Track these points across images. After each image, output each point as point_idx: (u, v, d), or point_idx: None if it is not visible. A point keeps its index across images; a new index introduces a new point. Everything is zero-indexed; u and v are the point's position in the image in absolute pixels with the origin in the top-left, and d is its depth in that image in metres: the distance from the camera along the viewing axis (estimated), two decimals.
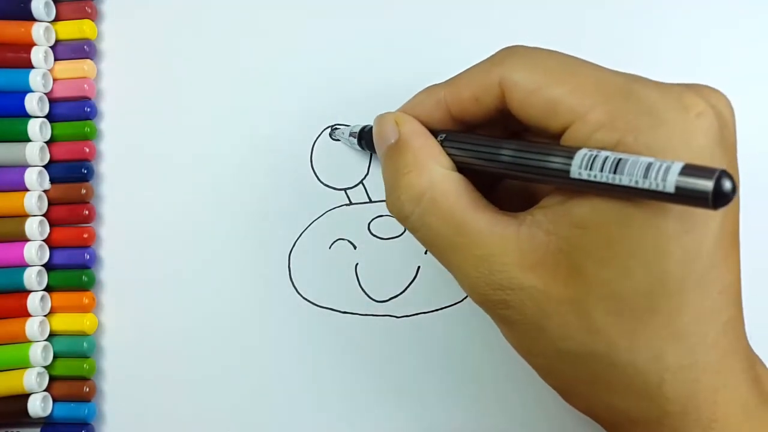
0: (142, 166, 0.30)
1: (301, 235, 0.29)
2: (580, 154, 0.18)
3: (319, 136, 0.29)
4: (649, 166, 0.16)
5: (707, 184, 0.15)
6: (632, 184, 0.17)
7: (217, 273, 0.29)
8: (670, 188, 0.16)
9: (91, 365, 0.29)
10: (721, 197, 0.15)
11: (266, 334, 0.29)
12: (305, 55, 0.30)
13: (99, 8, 0.31)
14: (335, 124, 0.29)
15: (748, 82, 0.28)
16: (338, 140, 0.29)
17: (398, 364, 0.28)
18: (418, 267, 0.29)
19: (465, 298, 0.28)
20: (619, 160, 0.17)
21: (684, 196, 0.16)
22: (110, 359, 0.30)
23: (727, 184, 0.15)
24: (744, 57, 0.28)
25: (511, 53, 0.21)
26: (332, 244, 0.29)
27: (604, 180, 0.18)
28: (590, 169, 0.18)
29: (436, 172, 0.22)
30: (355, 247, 0.29)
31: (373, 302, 0.29)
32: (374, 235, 0.29)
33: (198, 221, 0.30)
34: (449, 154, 0.22)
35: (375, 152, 0.25)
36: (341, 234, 0.29)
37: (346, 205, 0.29)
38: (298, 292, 0.29)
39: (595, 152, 0.18)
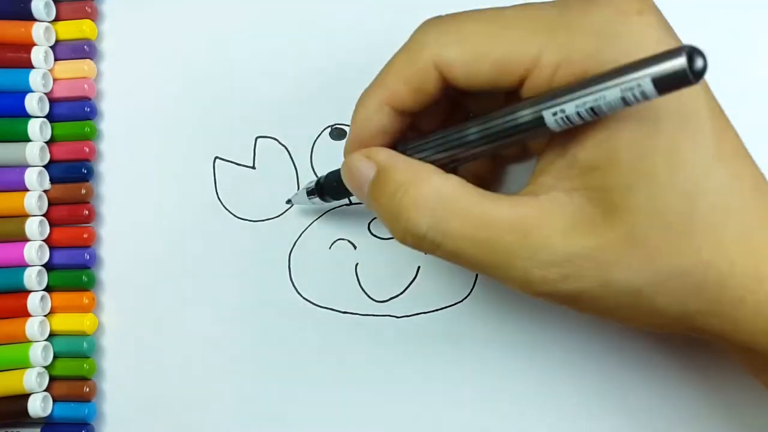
0: (142, 166, 0.30)
1: (301, 235, 0.29)
2: (549, 119, 0.18)
3: (319, 136, 0.29)
4: (624, 98, 0.17)
5: (681, 62, 0.16)
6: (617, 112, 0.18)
7: (217, 273, 0.29)
8: (653, 95, 0.16)
9: (91, 365, 0.29)
10: (697, 69, 0.15)
11: (266, 334, 0.29)
12: (306, 55, 0.30)
13: (99, 8, 0.31)
14: (335, 124, 0.29)
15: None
16: (290, 203, 0.29)
17: (398, 364, 0.28)
18: (418, 267, 0.29)
19: (465, 298, 0.28)
20: (592, 108, 0.17)
21: (665, 88, 0.16)
22: (110, 359, 0.30)
23: (697, 55, 0.15)
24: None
25: (430, 31, 0.21)
26: (332, 244, 0.29)
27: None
28: (570, 122, 0.18)
29: (435, 179, 0.20)
30: (355, 247, 0.29)
31: (373, 302, 0.29)
32: (374, 235, 0.29)
33: (198, 221, 0.30)
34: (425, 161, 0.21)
35: (347, 197, 0.24)
36: (341, 234, 0.29)
37: (346, 205, 0.29)
38: (298, 292, 0.29)
39: (559, 111, 0.18)
